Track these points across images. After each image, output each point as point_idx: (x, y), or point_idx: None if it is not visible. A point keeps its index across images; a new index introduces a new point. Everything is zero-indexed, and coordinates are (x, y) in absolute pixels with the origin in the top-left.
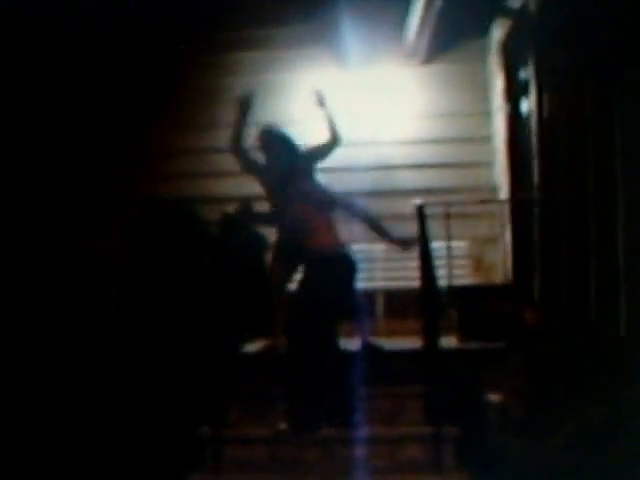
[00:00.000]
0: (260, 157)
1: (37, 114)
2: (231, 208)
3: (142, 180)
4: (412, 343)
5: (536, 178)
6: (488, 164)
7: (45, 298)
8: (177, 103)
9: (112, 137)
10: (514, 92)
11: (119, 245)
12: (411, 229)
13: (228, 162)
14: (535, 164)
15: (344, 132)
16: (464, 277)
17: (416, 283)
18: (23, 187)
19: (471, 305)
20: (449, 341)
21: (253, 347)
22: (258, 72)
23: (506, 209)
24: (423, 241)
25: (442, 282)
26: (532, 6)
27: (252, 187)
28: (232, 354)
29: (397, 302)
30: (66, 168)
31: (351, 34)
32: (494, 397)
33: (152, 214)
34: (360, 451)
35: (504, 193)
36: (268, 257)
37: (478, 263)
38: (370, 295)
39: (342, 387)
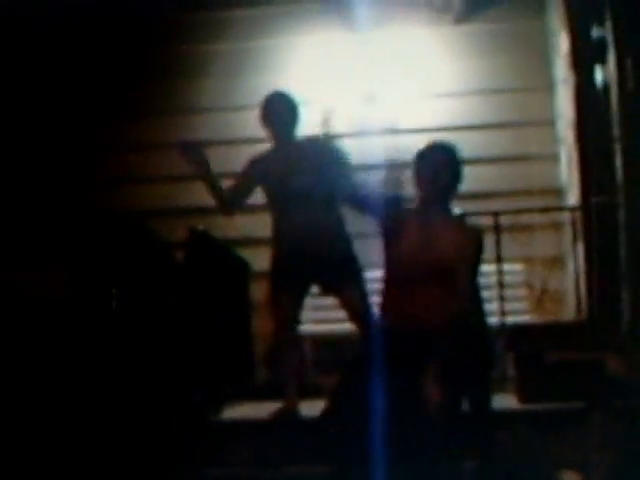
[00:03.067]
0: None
1: None
2: (202, 223)
3: (83, 185)
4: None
5: (619, 174)
6: (550, 157)
7: None
8: (135, 81)
9: (46, 129)
10: (585, 58)
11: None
12: None
13: None
14: (617, 155)
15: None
16: (522, 313)
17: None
18: None
19: (534, 351)
20: (505, 401)
21: (236, 412)
22: (244, 37)
23: (578, 219)
24: None
25: (492, 320)
26: None
27: None
28: (204, 419)
29: None
30: None
31: None
32: (570, 476)
33: (94, 234)
34: None
35: (574, 196)
36: (254, 287)
37: (541, 293)
38: None
39: None
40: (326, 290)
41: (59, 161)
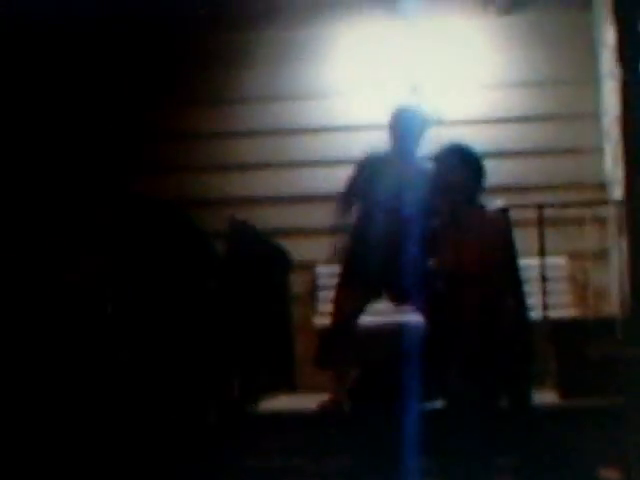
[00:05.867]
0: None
1: None
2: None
3: (123, 173)
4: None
5: None
6: (596, 151)
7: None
8: (180, 70)
9: (89, 116)
10: (632, 51)
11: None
12: None
13: (240, 151)
14: None
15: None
16: (564, 307)
17: None
18: None
19: (575, 346)
20: (546, 397)
21: (276, 403)
22: (289, 26)
23: (622, 212)
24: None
25: (534, 314)
26: None
27: (272, 185)
28: (243, 411)
29: None
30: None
31: None
32: (610, 473)
33: (133, 219)
34: None
35: (618, 190)
36: (293, 278)
37: (583, 287)
38: None
39: None
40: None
41: (105, 149)
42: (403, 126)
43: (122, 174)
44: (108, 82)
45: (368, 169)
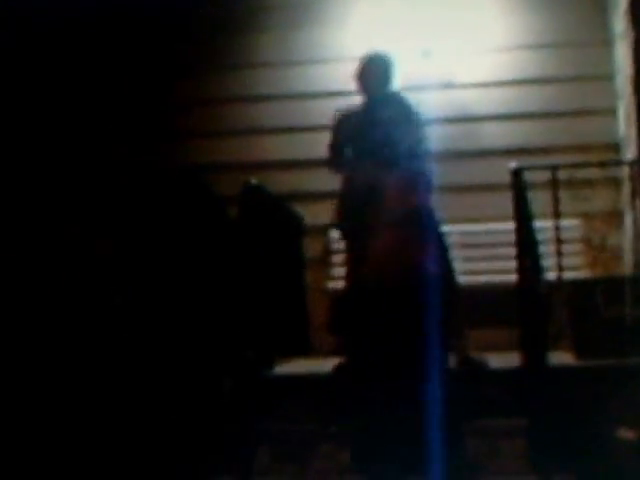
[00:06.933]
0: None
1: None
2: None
3: (139, 141)
4: (508, 360)
5: None
6: (609, 112)
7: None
8: (194, 37)
9: (101, 84)
10: None
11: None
12: (503, 203)
13: (254, 115)
14: None
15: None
16: (579, 269)
17: (512, 277)
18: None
19: (590, 307)
20: (561, 357)
21: (291, 367)
22: None
23: (636, 173)
24: (521, 220)
25: (549, 276)
26: None
27: (286, 149)
28: (259, 375)
29: (482, 303)
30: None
31: None
32: (627, 433)
33: (148, 187)
34: None
35: (632, 151)
36: (307, 243)
37: (598, 249)
38: None
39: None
40: None
41: (120, 120)
42: (367, 73)
43: (138, 143)
44: (122, 53)
45: (343, 129)
